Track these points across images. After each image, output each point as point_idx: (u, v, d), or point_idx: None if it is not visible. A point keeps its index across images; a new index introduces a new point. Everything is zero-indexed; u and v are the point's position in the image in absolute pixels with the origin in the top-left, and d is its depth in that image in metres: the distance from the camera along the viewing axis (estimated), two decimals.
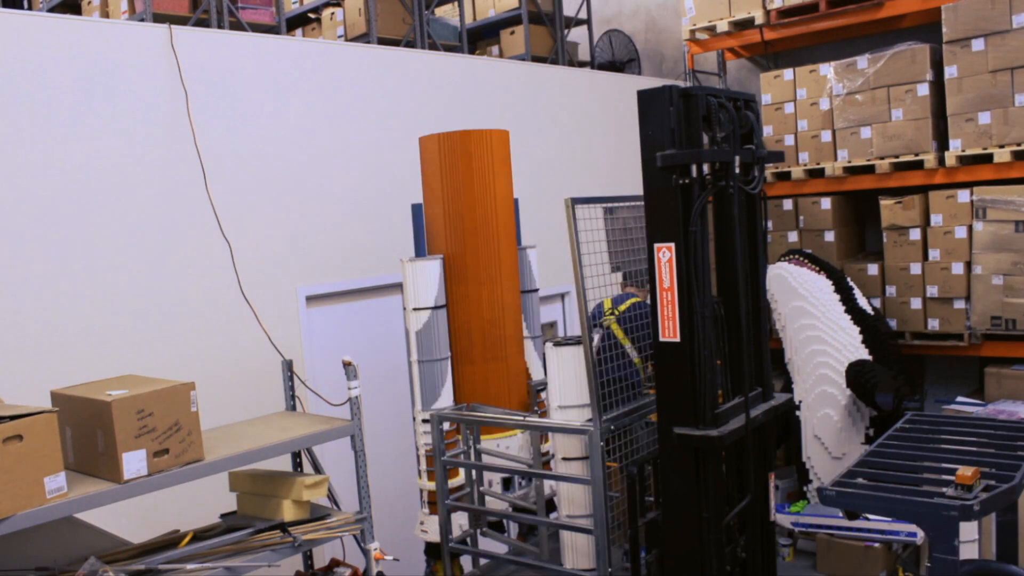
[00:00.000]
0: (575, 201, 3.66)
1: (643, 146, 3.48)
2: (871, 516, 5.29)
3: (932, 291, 6.68)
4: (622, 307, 4.79)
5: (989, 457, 3.49)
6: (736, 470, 3.83)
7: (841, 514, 4.99)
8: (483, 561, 4.38)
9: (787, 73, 7.31)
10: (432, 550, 4.35)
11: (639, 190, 3.63)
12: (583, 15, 8.62)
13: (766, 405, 3.84)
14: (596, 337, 4.33)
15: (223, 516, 3.54)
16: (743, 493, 3.83)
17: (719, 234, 3.71)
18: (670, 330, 3.45)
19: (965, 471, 3.12)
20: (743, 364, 3.68)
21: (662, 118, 3.42)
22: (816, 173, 7.25)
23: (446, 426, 4.19)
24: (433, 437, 4.12)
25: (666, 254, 3.43)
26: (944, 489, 3.14)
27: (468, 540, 4.29)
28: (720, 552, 3.58)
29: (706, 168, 3.54)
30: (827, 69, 7.12)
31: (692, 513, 3.52)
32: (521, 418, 4.05)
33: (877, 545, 5.82)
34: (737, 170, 3.56)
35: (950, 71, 6.47)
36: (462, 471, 4.29)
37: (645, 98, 3.47)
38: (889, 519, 5.10)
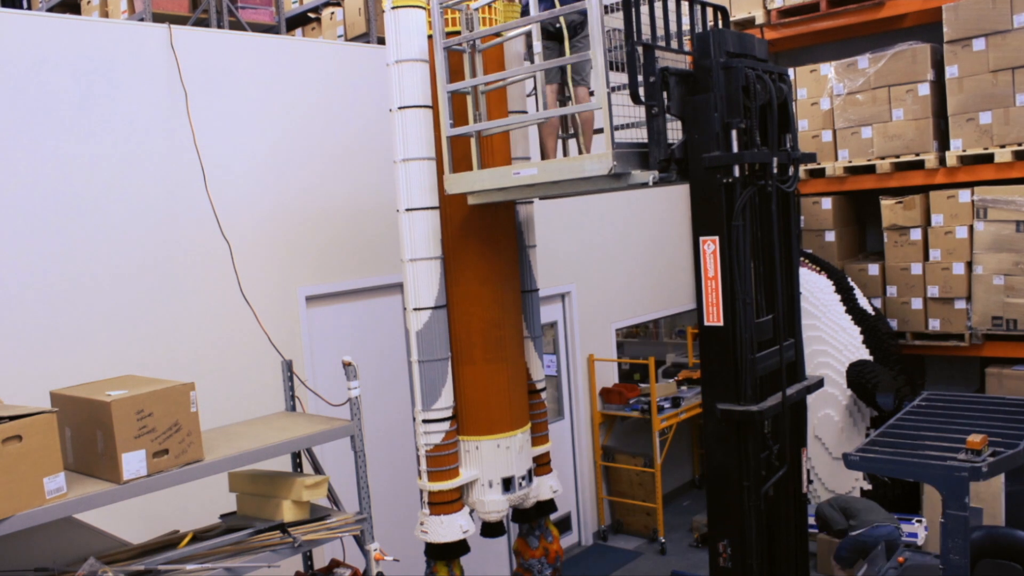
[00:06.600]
0: None
1: (689, 148, 3.82)
2: None
3: (933, 291, 6.68)
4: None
5: (997, 428, 3.83)
6: (772, 445, 4.08)
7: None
8: None
9: (787, 73, 7.30)
10: (432, 550, 4.34)
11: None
12: None
13: (800, 384, 4.20)
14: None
15: (223, 516, 3.54)
16: (779, 466, 4.10)
17: (755, 229, 4.00)
18: (714, 315, 3.78)
19: (975, 438, 3.49)
20: (779, 347, 3.98)
21: (707, 125, 3.73)
22: (816, 173, 7.24)
23: (445, 426, 4.19)
24: None
25: (711, 246, 3.75)
26: (956, 454, 3.49)
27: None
28: (759, 518, 3.87)
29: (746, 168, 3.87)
30: (828, 69, 7.11)
31: (734, 482, 3.81)
32: None
33: None
34: (775, 170, 3.92)
35: (951, 71, 6.46)
36: (462, 471, 4.29)
37: (691, 107, 3.79)
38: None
